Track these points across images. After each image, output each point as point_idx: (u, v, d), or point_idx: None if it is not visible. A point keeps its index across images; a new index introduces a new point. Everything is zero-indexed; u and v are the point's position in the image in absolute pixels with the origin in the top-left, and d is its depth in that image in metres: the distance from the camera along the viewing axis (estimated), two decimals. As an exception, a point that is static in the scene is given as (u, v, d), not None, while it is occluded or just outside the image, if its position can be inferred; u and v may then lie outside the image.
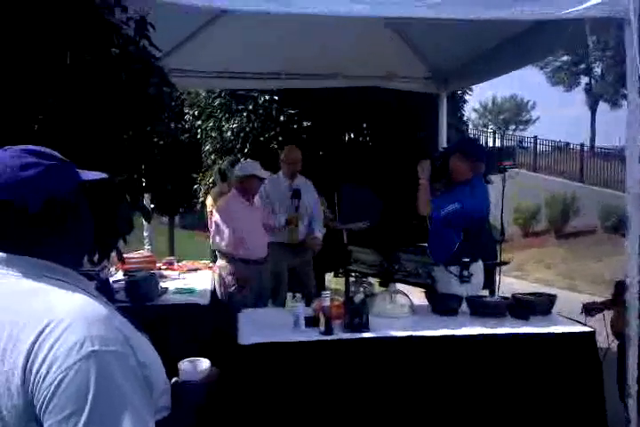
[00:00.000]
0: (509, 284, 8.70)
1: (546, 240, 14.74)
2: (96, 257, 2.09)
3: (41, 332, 0.95)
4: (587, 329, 2.95)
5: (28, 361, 0.94)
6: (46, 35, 2.12)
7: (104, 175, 1.21)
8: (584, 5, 2.69)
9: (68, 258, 1.12)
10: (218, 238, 4.13)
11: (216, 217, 4.14)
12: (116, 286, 3.58)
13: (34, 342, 0.94)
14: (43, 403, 0.92)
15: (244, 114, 6.34)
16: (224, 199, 4.22)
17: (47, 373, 0.92)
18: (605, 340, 3.31)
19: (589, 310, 3.39)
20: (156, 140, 2.34)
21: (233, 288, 4.02)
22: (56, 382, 0.91)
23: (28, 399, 0.93)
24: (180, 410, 1.17)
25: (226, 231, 4.04)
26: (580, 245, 13.51)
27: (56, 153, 1.14)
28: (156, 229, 8.89)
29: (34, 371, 0.93)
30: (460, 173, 3.60)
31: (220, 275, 4.12)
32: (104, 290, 3.21)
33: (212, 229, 4.22)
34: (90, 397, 0.91)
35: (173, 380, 1.28)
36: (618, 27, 2.85)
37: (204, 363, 1.35)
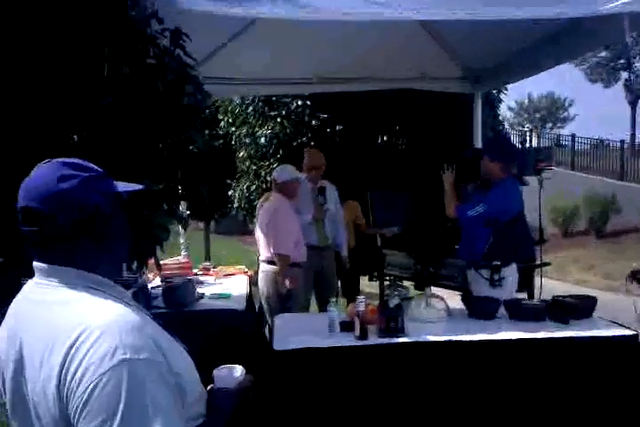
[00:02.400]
0: (549, 285, 8.51)
1: (586, 240, 14.40)
2: (134, 264, 2.14)
3: (75, 340, 0.98)
4: (630, 332, 2.87)
5: (62, 369, 0.96)
6: (84, 48, 2.18)
7: (140, 187, 1.24)
8: (621, 1, 2.62)
9: (106, 268, 1.15)
10: (269, 242, 4.08)
11: (267, 220, 4.10)
12: (153, 292, 3.65)
13: (68, 350, 0.97)
14: (76, 410, 0.95)
15: (277, 120, 6.40)
16: (273, 203, 4.18)
17: (81, 380, 0.95)
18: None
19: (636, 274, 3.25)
20: (191, 148, 2.37)
21: (286, 291, 4.02)
22: (89, 390, 0.94)
23: (63, 406, 0.96)
24: (214, 417, 1.19)
25: (283, 234, 4.04)
26: (622, 245, 13.15)
27: (93, 165, 1.17)
28: (191, 235, 9.02)
29: (68, 378, 0.96)
30: (491, 173, 3.57)
31: (272, 279, 4.07)
32: (142, 296, 3.28)
33: (261, 232, 4.19)
34: (121, 404, 0.93)
35: (209, 387, 1.30)
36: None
37: (239, 370, 1.36)
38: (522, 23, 2.77)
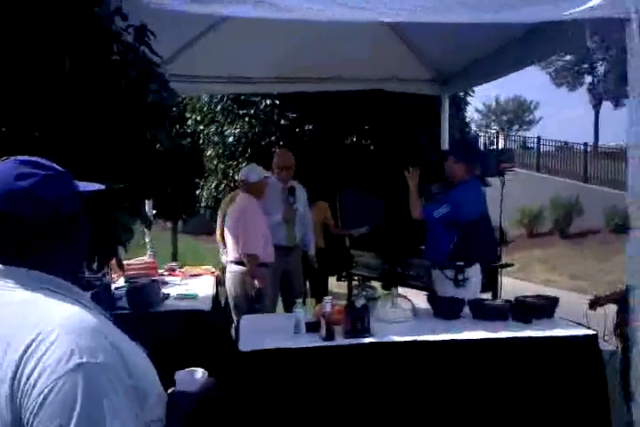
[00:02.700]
0: (515, 286, 8.67)
1: (551, 241, 14.71)
2: (95, 265, 2.10)
3: (31, 343, 0.95)
4: (589, 332, 2.93)
5: (17, 372, 0.94)
6: (45, 42, 2.13)
7: (102, 186, 1.21)
8: (585, 6, 2.67)
9: (64, 269, 1.12)
10: (238, 242, 4.05)
11: (236, 220, 4.07)
12: (117, 292, 3.59)
13: (23, 353, 0.95)
14: (30, 414, 0.92)
15: (246, 119, 6.36)
16: (241, 203, 4.15)
17: (35, 383, 0.92)
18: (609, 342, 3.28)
19: (594, 304, 3.34)
20: (157, 146, 2.34)
21: (255, 292, 3.99)
22: (44, 394, 0.91)
23: (16, 411, 0.93)
24: (173, 420, 1.17)
25: (252, 234, 4.02)
26: (585, 246, 13.48)
27: (53, 164, 1.15)
28: (159, 235, 8.91)
29: (22, 381, 0.93)
30: (455, 174, 3.63)
31: (240, 280, 4.06)
32: (105, 297, 3.22)
33: (230, 232, 4.16)
34: (77, 409, 0.91)
35: (170, 390, 1.28)
36: (619, 27, 2.84)
37: (200, 373, 1.35)
38: (489, 27, 2.80)
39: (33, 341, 0.95)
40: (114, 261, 2.34)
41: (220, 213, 5.32)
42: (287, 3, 2.42)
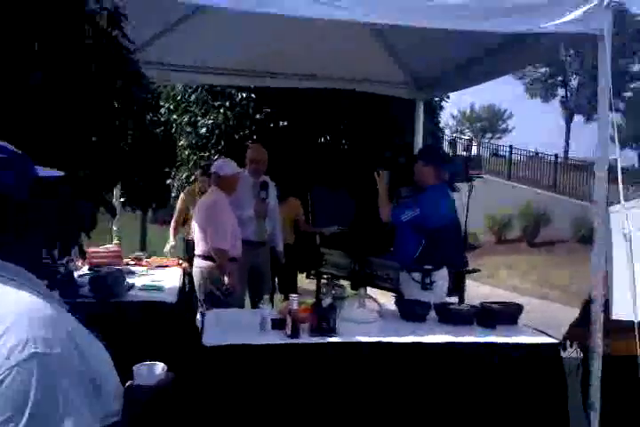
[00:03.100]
0: (482, 291, 8.77)
1: (518, 248, 14.93)
2: (56, 252, 2.03)
3: None
4: (551, 340, 2.96)
5: None
6: (13, 22, 2.05)
7: (61, 173, 1.16)
8: (560, 20, 2.72)
9: (21, 257, 1.07)
10: (206, 236, 3.98)
11: (206, 214, 4.00)
12: (80, 280, 3.49)
13: None
14: None
15: (221, 110, 6.27)
16: (212, 197, 4.08)
17: None
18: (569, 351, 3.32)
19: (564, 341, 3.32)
20: (122, 133, 2.27)
21: (228, 288, 3.93)
22: None
23: None
24: (128, 413, 1.13)
25: (222, 229, 3.95)
26: (553, 254, 13.72)
27: (9, 146, 1.09)
28: (129, 224, 8.75)
29: None
30: (424, 179, 3.65)
31: (207, 274, 3.99)
32: (67, 284, 3.14)
33: (198, 226, 4.09)
34: (30, 400, 0.87)
35: (127, 383, 1.23)
36: (594, 42, 2.89)
37: (159, 367, 1.30)
38: (466, 35, 2.82)
39: None
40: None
41: (179, 204, 5.32)
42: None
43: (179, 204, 5.38)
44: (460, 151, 19.13)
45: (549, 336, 3.03)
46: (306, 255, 5.58)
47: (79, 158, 2.03)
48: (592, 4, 2.74)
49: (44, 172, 1.13)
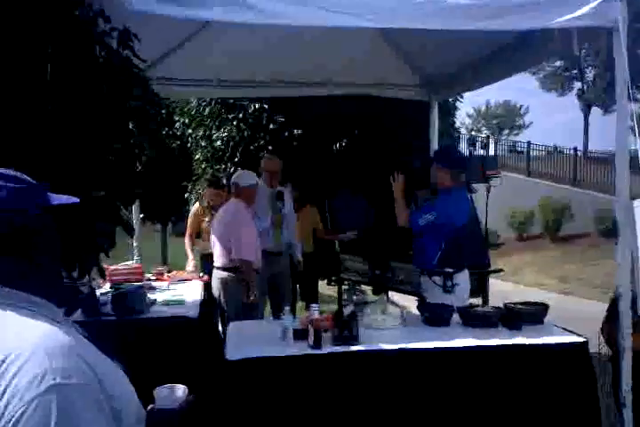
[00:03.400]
0: (505, 288, 8.67)
1: (541, 244, 14.76)
2: (76, 273, 2.05)
3: (0, 365, 0.91)
4: (579, 339, 2.91)
5: None
6: (26, 47, 2.08)
7: (75, 200, 1.17)
8: (573, 15, 2.68)
9: (36, 285, 1.08)
10: (228, 249, 3.99)
11: (229, 226, 4.01)
12: (102, 298, 3.52)
13: None
14: None
15: (234, 123, 6.30)
16: (233, 208, 4.10)
17: (6, 407, 0.88)
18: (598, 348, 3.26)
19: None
20: (138, 152, 2.29)
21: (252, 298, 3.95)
22: (16, 417, 0.87)
23: None
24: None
25: (247, 240, 3.96)
26: (575, 249, 13.53)
27: (25, 176, 1.11)
28: (149, 237, 8.82)
29: None
30: (440, 182, 3.61)
31: (229, 286, 3.99)
32: (89, 303, 3.17)
33: (219, 239, 4.10)
34: None
35: (149, 407, 1.24)
36: (607, 35, 2.85)
37: (181, 390, 1.30)
38: (478, 34, 2.80)
39: (2, 362, 0.91)
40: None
41: (191, 219, 5.26)
42: (272, 8, 2.39)
43: (190, 219, 5.33)
44: (479, 149, 18.99)
45: (577, 335, 2.98)
46: (326, 262, 5.57)
47: (95, 180, 2.06)
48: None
49: (58, 199, 1.14)
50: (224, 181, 5.35)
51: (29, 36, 2.10)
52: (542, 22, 2.69)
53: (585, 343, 2.88)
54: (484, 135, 29.60)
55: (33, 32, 2.11)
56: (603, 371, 3.08)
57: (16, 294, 1.03)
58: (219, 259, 4.09)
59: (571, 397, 2.82)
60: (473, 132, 32.91)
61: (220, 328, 4.04)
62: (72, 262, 2.00)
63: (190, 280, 4.61)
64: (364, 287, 5.35)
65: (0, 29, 2.03)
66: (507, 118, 41.38)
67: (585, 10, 2.71)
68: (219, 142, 6.35)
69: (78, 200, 1.19)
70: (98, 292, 3.66)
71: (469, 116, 41.65)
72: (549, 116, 71.03)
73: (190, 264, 4.95)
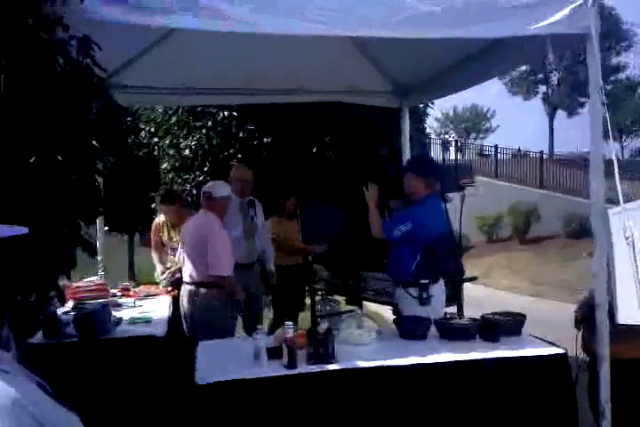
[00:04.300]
0: (477, 293, 8.68)
1: (510, 246, 14.94)
2: (33, 298, 1.91)
3: None
4: (559, 351, 2.87)
5: None
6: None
7: (24, 230, 1.06)
8: (547, 21, 2.66)
9: None
10: (201, 263, 3.81)
11: (202, 240, 3.80)
12: (65, 317, 3.35)
13: None
14: None
15: (203, 131, 6.17)
16: (206, 221, 3.91)
17: None
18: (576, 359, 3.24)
19: (578, 323, 3.25)
20: (98, 166, 2.16)
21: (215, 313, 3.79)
22: None
23: None
24: None
25: (224, 255, 3.80)
26: (544, 251, 13.73)
27: None
28: (116, 248, 8.58)
29: None
30: (414, 191, 3.55)
31: (204, 303, 3.82)
32: (50, 326, 3.01)
33: (190, 253, 3.93)
34: None
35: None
36: (574, 39, 2.85)
37: None
38: (449, 41, 2.75)
39: None
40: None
41: (153, 237, 5.01)
42: (234, 12, 2.30)
43: (152, 237, 5.05)
44: (453, 153, 19.08)
45: (556, 346, 2.94)
46: (298, 273, 5.47)
47: (54, 198, 1.92)
48: (576, 4, 2.70)
49: (4, 232, 1.03)
50: (178, 194, 5.19)
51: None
52: (517, 29, 2.66)
53: (564, 355, 2.85)
54: (451, 139, 29.89)
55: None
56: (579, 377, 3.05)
57: None
58: (190, 274, 3.92)
59: (550, 409, 2.78)
60: (441, 136, 33.16)
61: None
62: (29, 287, 1.86)
63: (158, 295, 4.45)
64: (337, 297, 5.27)
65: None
66: (474, 122, 41.94)
67: (558, 17, 2.71)
68: (187, 151, 6.20)
69: (27, 231, 1.08)
70: (60, 310, 3.48)
71: (437, 119, 42.11)
72: (515, 119, 72.33)
73: (159, 273, 4.79)
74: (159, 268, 4.85)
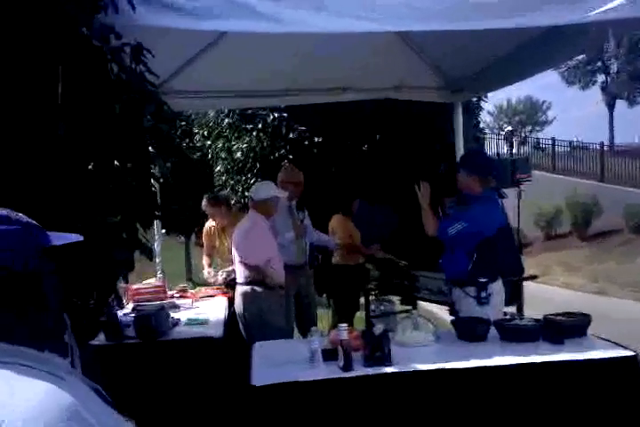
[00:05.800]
0: (536, 290, 8.43)
1: (569, 243, 14.42)
2: (92, 302, 1.95)
3: None
4: (628, 353, 2.73)
5: None
6: (32, 70, 2.00)
7: (79, 238, 1.06)
8: (606, 7, 2.51)
9: (35, 335, 0.97)
10: (246, 261, 3.90)
11: (244, 240, 3.89)
12: (125, 319, 3.43)
13: None
14: None
15: (254, 133, 6.22)
16: (249, 221, 3.97)
17: None
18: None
19: None
20: (154, 172, 2.19)
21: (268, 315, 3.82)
22: None
23: None
24: None
25: (260, 249, 3.85)
26: (605, 247, 13.18)
27: (20, 216, 0.99)
28: (173, 249, 8.76)
29: None
30: (468, 188, 3.45)
31: (252, 301, 3.86)
32: (111, 328, 3.09)
33: (236, 254, 4.01)
34: None
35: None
36: (635, 25, 2.69)
37: None
38: (502, 30, 2.64)
39: None
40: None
41: (205, 240, 5.10)
42: (287, 16, 2.28)
43: (204, 238, 5.13)
44: (515, 147, 18.50)
45: (624, 348, 2.80)
46: (353, 273, 5.44)
47: (112, 204, 1.96)
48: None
49: (60, 238, 1.04)
50: (225, 198, 5.25)
51: (35, 59, 2.02)
52: (576, 16, 2.52)
53: (635, 357, 2.70)
54: (506, 131, 29.18)
55: (39, 55, 2.02)
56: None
57: (10, 348, 0.92)
58: (240, 274, 3.97)
59: (619, 415, 2.64)
60: (494, 130, 32.38)
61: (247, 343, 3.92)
62: (88, 292, 1.91)
63: (214, 297, 4.50)
64: (391, 297, 5.21)
65: (5, 51, 1.95)
66: (529, 114, 40.80)
67: (619, 1, 2.55)
68: (239, 154, 6.26)
69: (82, 238, 1.08)
70: (120, 312, 3.58)
71: (490, 113, 41.15)
72: (572, 110, 69.93)
73: (205, 274, 4.84)
74: (206, 269, 4.90)
